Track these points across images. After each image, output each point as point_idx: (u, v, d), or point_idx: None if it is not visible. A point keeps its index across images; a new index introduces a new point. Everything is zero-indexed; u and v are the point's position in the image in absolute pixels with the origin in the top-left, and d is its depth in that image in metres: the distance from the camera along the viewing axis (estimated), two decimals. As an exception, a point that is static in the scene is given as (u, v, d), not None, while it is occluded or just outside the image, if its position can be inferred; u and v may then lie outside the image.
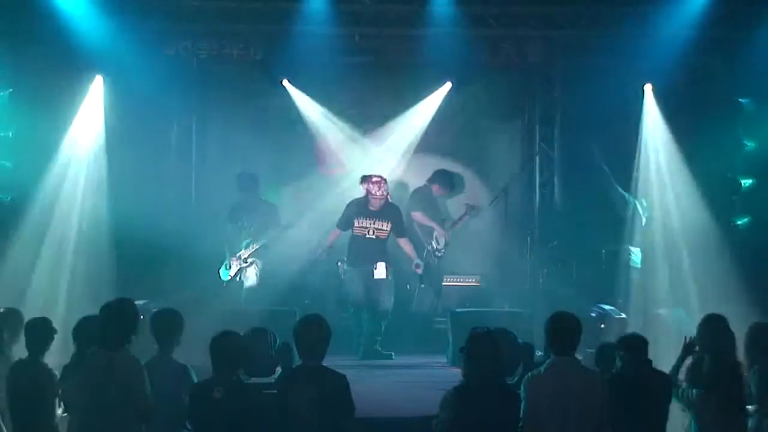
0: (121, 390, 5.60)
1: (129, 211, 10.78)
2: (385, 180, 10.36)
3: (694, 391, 6.06)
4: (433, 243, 10.99)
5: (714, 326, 6.30)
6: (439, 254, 10.99)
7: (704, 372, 6.04)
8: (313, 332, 5.78)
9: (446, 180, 11.53)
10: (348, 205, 10.49)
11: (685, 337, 6.34)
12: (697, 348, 6.25)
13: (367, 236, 10.28)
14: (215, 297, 10.34)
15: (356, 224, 10.31)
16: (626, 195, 11.37)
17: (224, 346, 5.78)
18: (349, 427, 5.71)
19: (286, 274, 11.07)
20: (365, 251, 10.24)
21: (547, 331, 5.75)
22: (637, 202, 11.31)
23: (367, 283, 10.21)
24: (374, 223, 10.28)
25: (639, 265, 11.06)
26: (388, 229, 10.31)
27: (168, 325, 6.31)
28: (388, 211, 10.36)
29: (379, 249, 10.27)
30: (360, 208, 10.36)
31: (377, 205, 10.25)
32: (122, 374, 5.63)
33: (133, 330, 5.83)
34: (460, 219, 11.42)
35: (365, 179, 10.32)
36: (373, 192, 10.20)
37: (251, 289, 10.71)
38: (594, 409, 5.56)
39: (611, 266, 11.17)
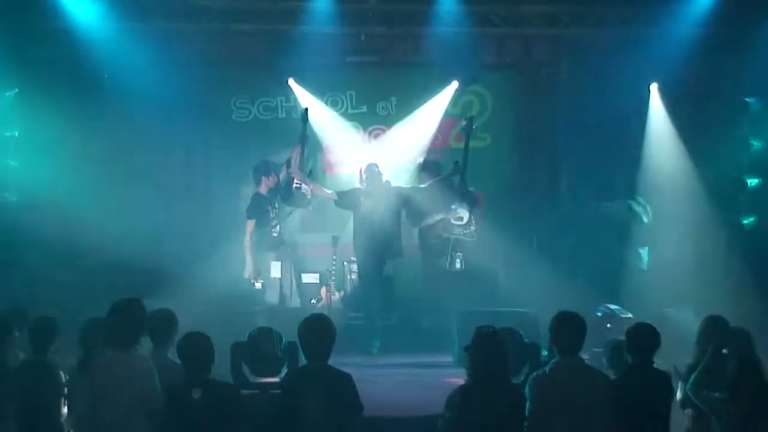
0: (131, 390, 5.61)
1: (136, 210, 10.81)
2: (375, 164, 10.55)
3: (716, 395, 6.02)
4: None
5: (738, 332, 6.30)
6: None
7: (729, 376, 5.94)
8: (318, 332, 5.79)
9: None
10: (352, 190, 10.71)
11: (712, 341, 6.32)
12: (725, 351, 6.21)
13: (377, 211, 10.36)
14: (222, 297, 10.35)
15: (364, 202, 10.43)
16: (628, 203, 11.33)
17: (191, 347, 5.77)
18: (357, 426, 5.71)
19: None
20: (375, 230, 10.35)
21: (552, 331, 5.75)
22: (635, 205, 11.27)
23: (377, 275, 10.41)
24: (380, 199, 10.39)
25: (645, 267, 11.07)
26: (394, 201, 10.42)
27: (163, 324, 6.32)
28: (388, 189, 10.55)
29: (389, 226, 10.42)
30: (363, 191, 10.53)
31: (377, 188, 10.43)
32: (133, 374, 5.64)
33: (142, 330, 5.85)
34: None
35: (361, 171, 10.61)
36: (369, 178, 10.44)
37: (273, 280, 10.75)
38: (599, 409, 5.56)
39: (618, 265, 11.16)
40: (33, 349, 6.33)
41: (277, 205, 10.80)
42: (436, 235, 10.80)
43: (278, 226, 10.70)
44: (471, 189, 10.89)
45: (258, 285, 10.88)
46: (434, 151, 12.11)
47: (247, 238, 10.52)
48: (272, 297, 10.68)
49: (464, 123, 11.04)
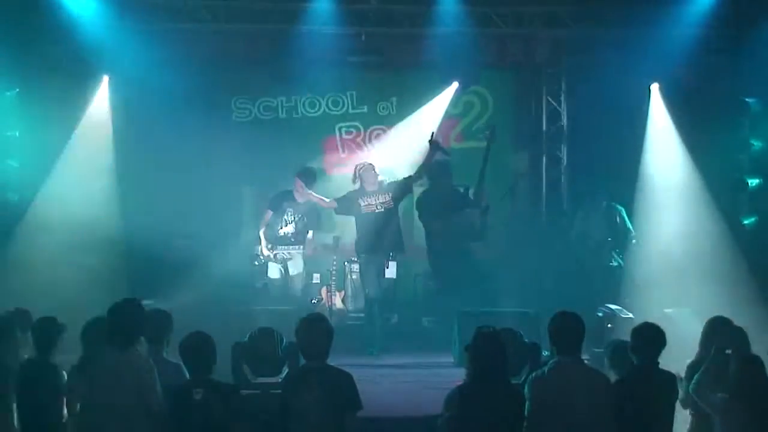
0: (131, 389, 5.61)
1: (138, 211, 10.83)
2: (370, 164, 10.49)
3: (718, 395, 6.01)
4: None
5: (738, 330, 6.30)
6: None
7: (731, 376, 5.92)
8: (314, 332, 5.78)
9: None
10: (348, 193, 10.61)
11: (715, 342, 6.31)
12: (728, 351, 6.20)
13: (377, 210, 10.31)
14: (223, 297, 10.36)
15: (362, 203, 10.37)
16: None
17: (194, 347, 5.77)
18: (356, 425, 5.71)
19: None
20: (377, 230, 10.31)
21: (551, 331, 5.74)
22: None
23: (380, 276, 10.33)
24: (377, 198, 10.33)
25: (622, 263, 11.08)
26: (391, 198, 10.34)
27: (158, 325, 6.33)
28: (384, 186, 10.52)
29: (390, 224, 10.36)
30: (359, 192, 10.45)
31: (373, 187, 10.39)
32: (132, 374, 5.65)
33: (141, 330, 5.85)
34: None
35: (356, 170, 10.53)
36: (365, 179, 10.36)
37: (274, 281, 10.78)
38: (599, 410, 5.54)
39: (618, 265, 11.16)
40: (36, 349, 6.33)
41: (306, 219, 10.74)
42: (447, 237, 10.78)
43: (286, 231, 10.67)
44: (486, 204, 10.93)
45: (259, 284, 10.93)
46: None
47: (262, 228, 10.65)
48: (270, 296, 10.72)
49: (487, 133, 11.06)
